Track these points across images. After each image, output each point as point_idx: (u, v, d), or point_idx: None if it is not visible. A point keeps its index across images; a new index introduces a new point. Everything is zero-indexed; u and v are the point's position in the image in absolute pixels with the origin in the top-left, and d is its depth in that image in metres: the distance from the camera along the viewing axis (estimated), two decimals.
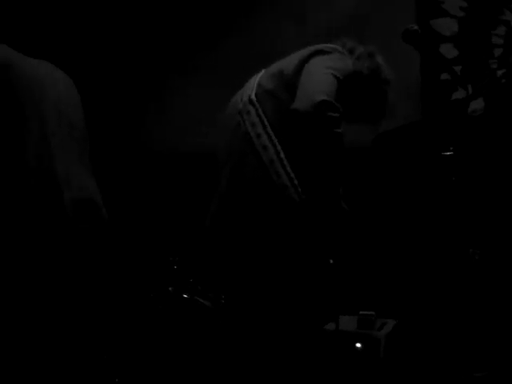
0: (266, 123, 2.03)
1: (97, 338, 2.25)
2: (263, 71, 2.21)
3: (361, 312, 2.30)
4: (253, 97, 2.09)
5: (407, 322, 2.45)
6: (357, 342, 2.21)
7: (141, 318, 2.21)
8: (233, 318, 2.00)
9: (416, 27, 2.25)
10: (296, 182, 1.98)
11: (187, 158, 3.03)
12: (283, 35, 2.35)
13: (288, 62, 2.12)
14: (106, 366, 2.25)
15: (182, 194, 2.80)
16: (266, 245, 2.01)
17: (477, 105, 3.16)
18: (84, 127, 2.43)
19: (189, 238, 2.30)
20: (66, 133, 2.29)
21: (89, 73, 3.39)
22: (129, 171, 3.35)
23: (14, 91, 2.13)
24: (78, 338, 2.20)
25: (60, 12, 3.31)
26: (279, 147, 1.99)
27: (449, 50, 3.16)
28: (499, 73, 2.93)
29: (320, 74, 1.99)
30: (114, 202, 2.61)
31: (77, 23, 3.45)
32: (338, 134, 1.94)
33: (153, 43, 3.58)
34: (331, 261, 1.98)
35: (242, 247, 2.03)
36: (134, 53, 3.61)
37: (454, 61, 3.15)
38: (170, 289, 2.22)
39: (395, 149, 2.82)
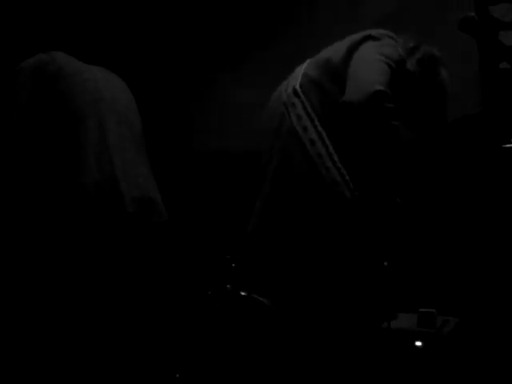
0: (313, 116, 1.92)
1: (158, 334, 2.30)
2: (308, 60, 2.09)
3: (421, 309, 2.25)
4: (297, 87, 1.98)
5: (470, 320, 2.38)
6: (417, 340, 2.17)
7: (199, 316, 2.24)
8: (288, 318, 1.97)
9: (473, 14, 2.15)
10: (347, 177, 1.86)
11: (239, 158, 3.05)
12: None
13: (335, 50, 2.01)
14: (167, 362, 2.30)
15: (236, 194, 2.81)
16: (317, 244, 1.90)
17: None
18: (140, 126, 2.47)
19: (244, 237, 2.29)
20: (124, 131, 2.33)
21: (140, 74, 3.47)
22: (182, 171, 3.40)
23: (71, 94, 2.19)
24: (139, 333, 2.26)
25: (111, 16, 3.38)
26: (327, 141, 1.88)
27: (509, 37, 2.88)
28: None
29: (373, 62, 1.87)
30: (172, 201, 2.66)
31: (128, 26, 3.52)
32: (394, 126, 1.82)
33: (203, 43, 3.61)
34: (385, 263, 1.92)
35: (291, 248, 1.93)
36: (184, 53, 3.65)
37: None
38: (228, 286, 2.23)
39: (455, 142, 2.72)
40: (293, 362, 1.97)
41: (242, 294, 2.16)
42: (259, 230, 2.02)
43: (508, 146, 2.13)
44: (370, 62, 1.87)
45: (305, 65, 2.07)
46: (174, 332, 2.33)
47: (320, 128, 1.90)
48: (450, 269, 2.61)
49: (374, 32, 1.99)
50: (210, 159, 3.41)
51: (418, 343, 2.16)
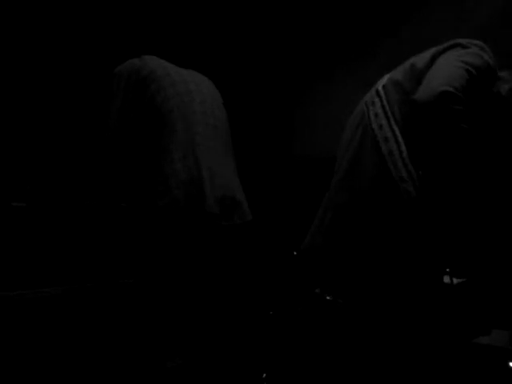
0: (390, 114, 1.95)
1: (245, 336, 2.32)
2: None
3: None
4: (380, 88, 2.03)
5: None
6: (510, 359, 2.02)
7: (284, 318, 2.23)
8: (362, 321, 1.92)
9: None
10: (415, 176, 1.86)
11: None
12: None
13: (422, 56, 2.02)
14: (253, 362, 2.32)
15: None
16: (384, 242, 1.90)
17: None
18: (228, 128, 2.52)
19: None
20: (211, 133, 2.40)
21: (238, 80, 3.54)
22: (277, 176, 3.42)
23: (161, 96, 2.29)
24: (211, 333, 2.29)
25: (205, 22, 3.48)
26: (401, 139, 1.89)
27: None
28: None
29: (450, 66, 1.85)
30: (261, 203, 2.67)
31: (222, 33, 3.61)
32: (463, 128, 1.77)
33: (300, 49, 3.63)
34: (447, 269, 1.83)
35: (360, 245, 1.94)
36: (282, 60, 3.70)
37: None
38: (317, 290, 2.21)
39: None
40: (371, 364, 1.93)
41: (328, 298, 2.14)
42: (328, 226, 2.05)
43: None
44: (448, 65, 1.86)
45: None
46: (261, 333, 2.34)
47: (395, 126, 1.92)
48: None
49: (464, 41, 1.96)
50: (309, 164, 3.41)
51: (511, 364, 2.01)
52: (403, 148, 1.88)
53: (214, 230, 2.14)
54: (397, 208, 1.87)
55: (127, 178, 2.18)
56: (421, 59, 2.00)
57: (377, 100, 2.01)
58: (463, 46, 1.93)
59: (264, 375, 2.24)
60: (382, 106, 1.97)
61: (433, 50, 2.00)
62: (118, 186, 2.22)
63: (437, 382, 1.93)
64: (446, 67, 1.86)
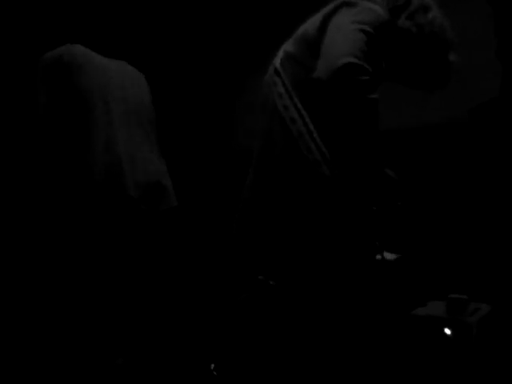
0: (293, 94, 1.79)
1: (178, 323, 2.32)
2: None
3: (451, 295, 2.18)
4: (277, 65, 1.87)
5: (504, 307, 2.30)
6: (446, 327, 2.11)
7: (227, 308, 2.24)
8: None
9: None
10: (328, 156, 1.73)
11: None
12: None
13: (311, 22, 1.86)
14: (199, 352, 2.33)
15: None
16: (304, 225, 1.78)
17: None
18: (152, 112, 2.50)
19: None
20: (132, 120, 2.38)
21: (176, 70, 3.50)
22: (217, 164, 3.42)
23: (81, 82, 2.23)
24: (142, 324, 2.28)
25: (141, 11, 3.43)
26: (308, 119, 1.75)
27: None
28: None
29: (345, 32, 1.71)
30: (197, 191, 2.66)
31: (158, 21, 3.56)
32: (372, 100, 1.66)
33: (239, 36, 3.61)
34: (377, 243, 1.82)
35: (279, 229, 1.81)
36: (222, 48, 3.68)
37: None
38: (260, 277, 2.23)
39: (493, 123, 2.61)
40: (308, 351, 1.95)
41: (271, 283, 2.15)
42: (247, 214, 1.93)
43: None
44: (342, 32, 1.72)
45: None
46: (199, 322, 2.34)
47: (300, 105, 1.78)
48: (484, 254, 2.53)
49: None
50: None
51: (447, 331, 2.10)
52: (312, 128, 1.75)
53: (136, 213, 2.14)
54: (314, 191, 1.75)
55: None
56: (311, 25, 1.85)
57: (277, 79, 1.85)
58: (350, 4, 1.78)
59: (212, 366, 2.26)
60: (284, 85, 1.82)
61: (322, 13, 1.84)
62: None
63: (376, 355, 1.99)
64: (341, 34, 1.71)
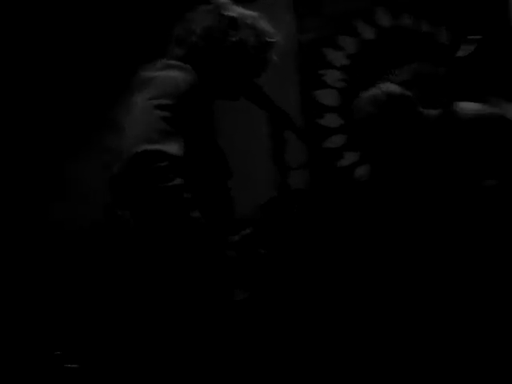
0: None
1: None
2: None
3: None
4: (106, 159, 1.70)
5: None
6: None
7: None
8: None
9: None
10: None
11: None
12: None
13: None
14: None
15: None
16: None
17: (363, 171, 3.30)
18: None
19: None
20: None
21: None
22: None
23: None
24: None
25: None
26: (127, 215, 1.58)
27: (333, 119, 3.32)
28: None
29: (137, 114, 1.56)
30: None
31: None
32: (173, 187, 1.47)
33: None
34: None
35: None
36: None
37: (338, 129, 3.32)
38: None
39: None
40: None
41: None
42: None
43: None
44: (134, 115, 1.57)
45: None
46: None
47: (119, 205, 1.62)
48: None
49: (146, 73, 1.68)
50: None
51: None
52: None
53: None
54: None
55: None
56: (118, 109, 1.70)
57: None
58: (144, 82, 1.62)
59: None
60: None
61: (128, 94, 1.68)
62: None
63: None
64: (133, 116, 1.55)
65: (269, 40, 1.84)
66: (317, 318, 2.77)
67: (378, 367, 2.60)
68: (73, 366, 2.32)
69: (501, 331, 2.16)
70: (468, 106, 2.27)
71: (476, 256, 2.17)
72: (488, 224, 2.15)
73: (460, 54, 2.02)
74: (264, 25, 1.85)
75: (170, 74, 1.63)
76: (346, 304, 2.89)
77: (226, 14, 1.82)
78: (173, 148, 1.50)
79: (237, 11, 1.84)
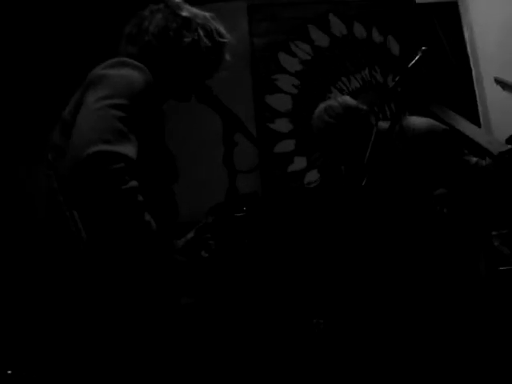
0: (61, 190, 1.59)
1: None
2: None
3: None
4: (49, 157, 1.65)
5: None
6: None
7: None
8: None
9: None
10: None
11: None
12: None
13: (71, 101, 1.68)
14: None
15: None
16: None
17: (312, 177, 3.34)
18: None
19: None
20: None
21: None
22: None
23: None
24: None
25: None
26: (76, 217, 1.53)
27: (284, 125, 3.34)
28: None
29: (90, 114, 1.49)
30: None
31: None
32: (128, 190, 1.44)
33: None
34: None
35: None
36: None
37: (289, 134, 3.36)
38: None
39: None
40: None
41: None
42: None
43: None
44: (88, 115, 1.50)
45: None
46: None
47: (66, 203, 1.57)
48: None
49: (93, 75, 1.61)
50: None
51: None
52: (80, 226, 1.53)
53: None
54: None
55: None
56: (68, 106, 1.66)
57: (51, 173, 1.63)
58: (96, 81, 1.56)
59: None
60: (56, 180, 1.61)
61: (77, 93, 1.64)
62: None
63: None
64: (86, 117, 1.49)
65: (221, 40, 1.83)
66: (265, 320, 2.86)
67: (359, 367, 2.56)
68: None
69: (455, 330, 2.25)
70: (417, 120, 2.38)
71: (426, 258, 2.28)
72: (438, 228, 2.26)
73: (411, 64, 2.04)
74: (216, 25, 1.84)
75: (122, 73, 1.59)
76: (296, 306, 2.99)
77: (180, 13, 1.79)
78: (128, 149, 1.47)
79: (190, 11, 1.82)
